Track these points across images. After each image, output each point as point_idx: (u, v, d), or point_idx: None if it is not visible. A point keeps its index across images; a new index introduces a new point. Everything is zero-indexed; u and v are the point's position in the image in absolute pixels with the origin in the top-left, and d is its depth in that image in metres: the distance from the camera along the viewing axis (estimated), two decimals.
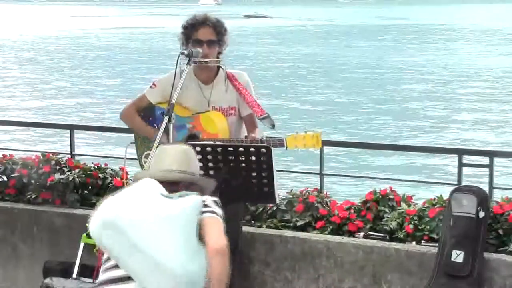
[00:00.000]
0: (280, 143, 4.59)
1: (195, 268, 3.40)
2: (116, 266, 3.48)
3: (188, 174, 3.68)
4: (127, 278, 3.44)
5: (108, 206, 3.48)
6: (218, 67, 4.92)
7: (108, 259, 3.54)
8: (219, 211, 3.59)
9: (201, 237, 3.47)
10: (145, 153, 4.91)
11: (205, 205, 3.56)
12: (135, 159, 5.14)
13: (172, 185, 3.61)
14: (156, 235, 3.37)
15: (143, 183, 3.57)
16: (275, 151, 4.34)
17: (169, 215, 3.42)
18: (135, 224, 3.38)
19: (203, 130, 4.82)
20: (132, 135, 5.15)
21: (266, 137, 4.63)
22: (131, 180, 4.63)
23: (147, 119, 5.00)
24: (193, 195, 3.56)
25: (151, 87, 4.97)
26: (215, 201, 3.62)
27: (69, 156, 6.41)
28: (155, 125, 4.95)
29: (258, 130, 4.89)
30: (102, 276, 3.53)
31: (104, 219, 3.43)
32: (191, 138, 4.82)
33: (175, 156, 3.70)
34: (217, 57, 4.88)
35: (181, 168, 3.67)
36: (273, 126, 4.75)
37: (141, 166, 4.95)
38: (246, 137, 4.71)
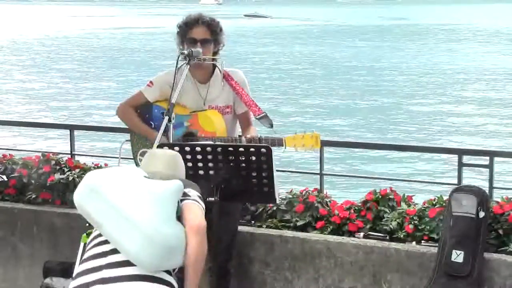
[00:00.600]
0: (279, 142, 4.60)
1: (170, 232, 3.44)
2: (99, 244, 3.56)
3: (175, 177, 3.71)
4: (110, 252, 3.49)
5: (92, 175, 3.65)
6: (214, 67, 4.92)
7: (93, 238, 3.63)
8: (201, 202, 3.68)
9: (180, 219, 3.55)
10: (141, 151, 4.90)
11: (187, 195, 3.65)
12: (130, 158, 5.14)
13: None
14: (136, 202, 3.45)
15: (128, 167, 3.78)
16: (275, 151, 4.34)
17: (151, 190, 3.51)
18: (116, 190, 3.49)
19: (200, 128, 4.83)
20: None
21: (265, 137, 4.64)
22: None
23: (143, 117, 5.00)
24: (177, 180, 3.63)
25: (148, 85, 4.97)
26: (198, 195, 3.71)
27: (69, 156, 6.41)
28: (151, 123, 4.96)
29: (253, 128, 4.89)
30: (85, 254, 3.60)
31: (87, 184, 3.58)
32: (188, 136, 4.83)
33: (162, 159, 3.77)
34: (213, 57, 4.88)
35: (168, 171, 3.73)
36: (271, 125, 4.76)
37: (136, 164, 4.95)
38: (245, 137, 4.71)
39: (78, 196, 3.60)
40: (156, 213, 3.45)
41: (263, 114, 4.77)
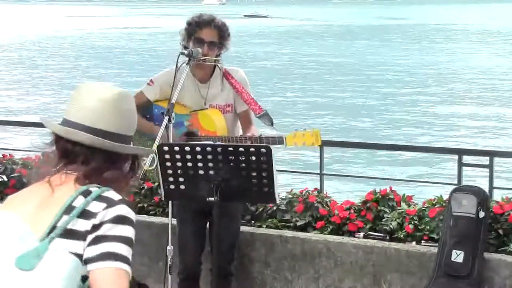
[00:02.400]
0: (279, 140, 4.60)
1: None
2: None
3: (105, 137, 2.29)
4: None
5: None
6: (215, 66, 4.93)
7: None
8: (125, 245, 2.18)
9: None
10: None
11: (100, 238, 2.15)
12: None
13: (72, 154, 2.30)
14: None
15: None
16: (275, 151, 4.33)
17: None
18: None
19: (201, 128, 4.83)
20: None
21: (266, 135, 4.64)
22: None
23: (144, 117, 4.99)
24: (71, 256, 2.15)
25: (148, 84, 4.97)
26: (122, 217, 2.19)
27: None
28: (152, 123, 4.95)
29: (254, 127, 4.89)
30: None
31: None
32: (189, 135, 4.83)
33: (96, 101, 2.31)
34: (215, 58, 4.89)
35: (98, 124, 2.29)
36: (272, 123, 4.75)
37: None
38: (245, 136, 4.71)
39: None
40: None
41: (263, 112, 4.77)
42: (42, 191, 2.28)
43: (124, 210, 2.20)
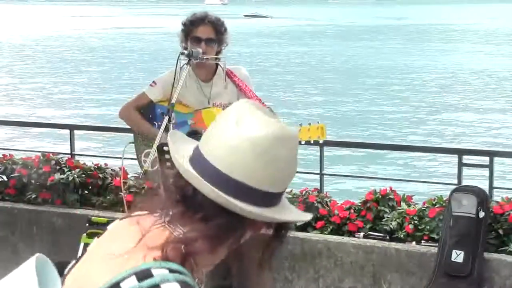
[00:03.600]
0: None
1: None
2: None
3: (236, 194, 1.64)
4: None
5: None
6: (217, 65, 4.92)
7: None
8: None
9: None
10: (145, 151, 4.89)
11: None
12: (134, 159, 5.14)
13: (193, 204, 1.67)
14: None
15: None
16: None
17: None
18: None
19: (205, 126, 4.82)
20: (132, 135, 5.15)
21: None
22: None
23: (146, 117, 5.00)
24: None
25: (151, 85, 4.97)
26: None
27: (69, 156, 6.41)
28: (155, 123, 4.95)
29: None
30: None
31: None
32: (193, 134, 4.83)
33: (241, 141, 1.65)
34: (216, 56, 4.88)
35: (229, 169, 1.64)
36: None
37: (141, 166, 4.94)
38: None
39: None
40: None
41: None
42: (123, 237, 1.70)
43: None
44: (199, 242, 1.60)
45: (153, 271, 1.58)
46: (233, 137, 1.63)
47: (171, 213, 1.65)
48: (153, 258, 1.59)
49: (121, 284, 1.59)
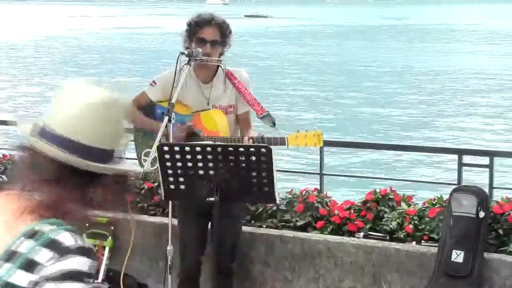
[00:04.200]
0: (281, 141, 4.59)
1: None
2: None
3: (78, 152, 1.92)
4: None
5: None
6: (218, 66, 4.92)
7: None
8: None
9: None
10: (145, 151, 4.90)
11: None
12: (134, 159, 5.14)
13: (39, 170, 1.94)
14: None
15: None
16: (276, 150, 4.33)
17: None
18: None
19: (203, 128, 4.83)
20: (132, 135, 5.15)
21: (267, 136, 4.63)
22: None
23: (147, 117, 5.00)
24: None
25: (151, 84, 4.97)
26: (70, 273, 1.81)
27: None
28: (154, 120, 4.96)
29: (252, 130, 4.88)
30: None
31: None
32: (191, 136, 4.83)
33: (76, 107, 1.94)
34: (219, 57, 4.88)
35: (73, 134, 1.92)
36: (274, 124, 4.75)
37: (141, 165, 4.95)
38: (247, 137, 4.70)
39: None
40: None
41: (265, 113, 4.77)
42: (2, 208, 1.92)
43: (75, 263, 1.80)
44: (61, 202, 1.87)
45: (40, 228, 1.82)
46: (72, 106, 1.92)
47: (32, 183, 1.90)
48: (29, 221, 1.83)
49: (18, 249, 1.80)
